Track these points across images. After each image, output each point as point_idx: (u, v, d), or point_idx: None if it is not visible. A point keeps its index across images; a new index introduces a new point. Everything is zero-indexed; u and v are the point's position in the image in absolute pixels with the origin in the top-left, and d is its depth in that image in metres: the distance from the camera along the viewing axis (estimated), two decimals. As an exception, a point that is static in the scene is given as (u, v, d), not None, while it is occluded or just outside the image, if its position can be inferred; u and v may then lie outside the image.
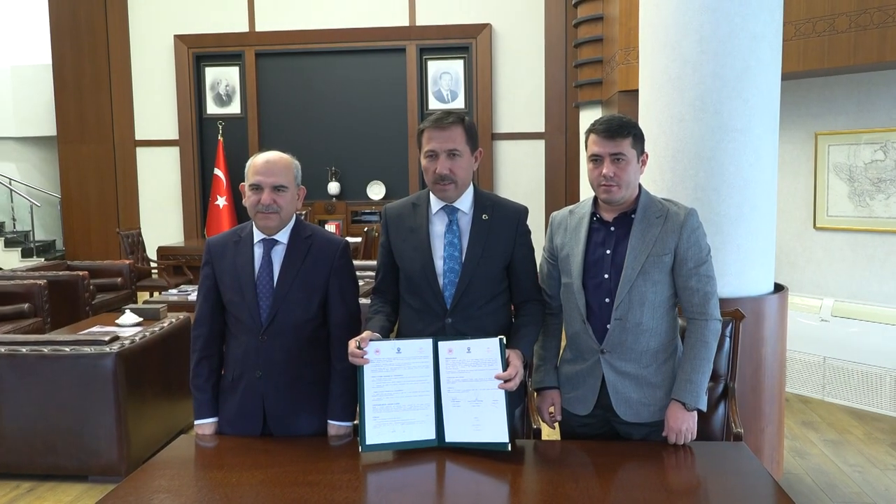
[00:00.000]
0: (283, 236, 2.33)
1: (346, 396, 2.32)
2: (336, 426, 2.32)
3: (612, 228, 2.26)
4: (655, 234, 2.21)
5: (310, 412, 2.34)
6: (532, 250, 2.36)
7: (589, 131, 2.23)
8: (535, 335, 2.34)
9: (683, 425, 2.18)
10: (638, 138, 2.22)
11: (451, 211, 2.28)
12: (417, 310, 2.30)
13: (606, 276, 2.23)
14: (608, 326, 2.23)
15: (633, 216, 2.25)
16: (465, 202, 2.28)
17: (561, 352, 2.45)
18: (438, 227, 2.28)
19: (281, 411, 2.31)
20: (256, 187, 2.27)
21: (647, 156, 2.27)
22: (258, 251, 2.32)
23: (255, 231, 2.34)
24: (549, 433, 2.52)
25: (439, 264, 2.25)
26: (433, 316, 2.26)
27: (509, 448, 2.06)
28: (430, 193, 2.32)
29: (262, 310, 2.28)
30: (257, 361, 2.30)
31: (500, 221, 2.28)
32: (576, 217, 2.34)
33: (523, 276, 2.33)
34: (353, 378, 2.25)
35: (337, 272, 2.34)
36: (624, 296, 2.20)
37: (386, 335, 2.28)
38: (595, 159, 2.21)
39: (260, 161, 2.29)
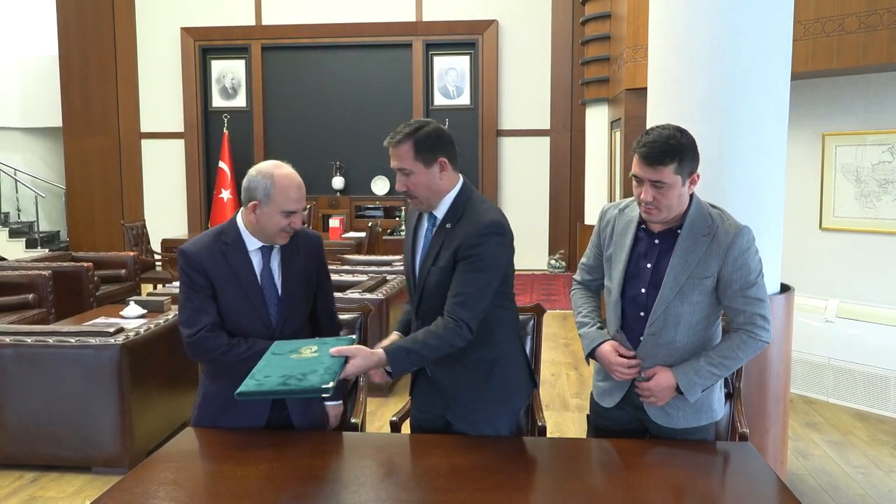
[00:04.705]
0: None
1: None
2: (332, 405, 2.45)
3: (657, 241, 2.19)
4: (699, 256, 2.13)
5: (316, 401, 2.39)
6: (476, 269, 2.10)
7: (634, 149, 2.13)
8: (419, 347, 2.10)
9: (659, 392, 2.17)
10: (684, 162, 2.08)
11: (430, 216, 2.25)
12: (409, 309, 2.34)
13: (643, 290, 2.19)
14: (641, 339, 2.20)
15: (679, 231, 2.17)
16: (441, 209, 2.21)
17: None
18: (421, 230, 2.28)
19: (291, 405, 2.33)
20: (291, 213, 2.23)
21: (697, 176, 2.14)
22: (256, 259, 2.30)
23: (249, 239, 2.29)
24: (570, 430, 2.51)
25: (416, 266, 2.26)
26: (415, 316, 2.29)
27: (330, 392, 1.90)
28: None
29: (272, 317, 2.30)
30: None
31: (457, 233, 2.14)
32: (624, 219, 2.27)
33: (451, 289, 2.12)
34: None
35: (323, 265, 2.45)
36: (659, 315, 2.16)
37: (406, 332, 2.30)
38: (636, 179, 2.13)
39: (294, 187, 2.22)
